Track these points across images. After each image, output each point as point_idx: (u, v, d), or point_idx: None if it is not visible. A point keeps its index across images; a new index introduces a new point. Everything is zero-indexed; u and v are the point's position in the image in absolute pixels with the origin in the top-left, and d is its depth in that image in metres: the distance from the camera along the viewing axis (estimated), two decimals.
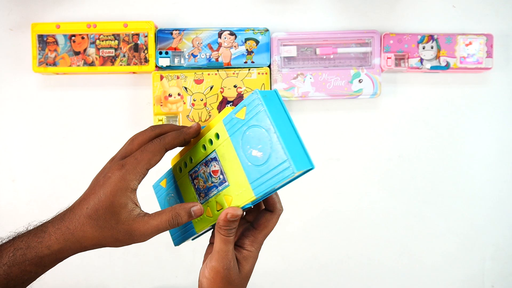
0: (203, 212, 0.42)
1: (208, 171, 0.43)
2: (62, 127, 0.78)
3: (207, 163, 0.43)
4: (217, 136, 0.42)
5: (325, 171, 0.78)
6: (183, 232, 0.48)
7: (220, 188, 0.42)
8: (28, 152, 0.78)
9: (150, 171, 0.42)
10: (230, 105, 0.75)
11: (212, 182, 0.43)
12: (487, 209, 0.79)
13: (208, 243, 0.47)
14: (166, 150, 0.43)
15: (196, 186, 0.45)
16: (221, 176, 0.42)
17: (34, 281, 0.43)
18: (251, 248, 0.42)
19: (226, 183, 0.41)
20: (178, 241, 0.49)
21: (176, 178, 0.47)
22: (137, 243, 0.41)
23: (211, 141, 0.42)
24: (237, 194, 0.41)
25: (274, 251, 0.79)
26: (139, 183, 0.41)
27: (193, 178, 0.45)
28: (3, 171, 0.78)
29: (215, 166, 0.42)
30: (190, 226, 0.47)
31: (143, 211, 0.41)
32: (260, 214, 0.43)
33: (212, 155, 0.42)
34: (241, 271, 0.41)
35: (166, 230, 0.41)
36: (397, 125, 0.78)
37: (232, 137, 0.40)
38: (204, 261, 0.45)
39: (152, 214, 0.41)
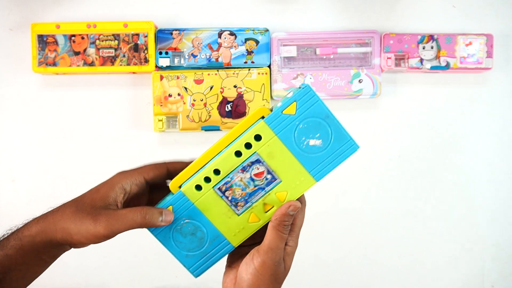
0: (172, 220, 0.42)
1: (249, 176, 0.42)
2: (62, 127, 0.78)
3: (245, 168, 0.42)
4: (257, 138, 0.42)
5: None
6: (210, 255, 0.45)
7: (268, 188, 0.43)
8: (28, 152, 0.78)
9: None
10: (230, 105, 0.75)
11: (255, 186, 0.43)
12: (487, 209, 0.79)
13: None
14: (168, 172, 0.44)
15: (229, 198, 0.43)
16: (268, 176, 0.43)
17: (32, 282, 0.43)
18: (293, 243, 0.43)
19: (278, 180, 0.43)
20: (200, 270, 0.46)
21: (191, 200, 0.43)
22: (100, 235, 0.39)
23: (248, 145, 0.42)
24: (294, 187, 0.43)
25: None
26: (131, 187, 0.42)
27: (224, 191, 0.43)
28: (3, 171, 0.78)
29: (258, 169, 0.42)
30: (223, 243, 0.44)
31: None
32: None
33: (253, 158, 0.42)
34: (285, 267, 0.43)
35: (136, 224, 0.40)
36: (397, 125, 0.78)
37: (281, 134, 0.42)
38: (229, 262, 0.45)
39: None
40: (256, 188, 0.43)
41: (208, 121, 0.75)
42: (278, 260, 0.41)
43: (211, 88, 0.75)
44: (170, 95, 0.75)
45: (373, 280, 0.79)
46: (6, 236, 0.41)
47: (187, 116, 0.75)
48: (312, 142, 0.42)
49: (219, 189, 0.43)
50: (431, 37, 0.75)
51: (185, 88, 0.75)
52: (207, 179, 0.43)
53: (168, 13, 0.78)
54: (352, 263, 0.79)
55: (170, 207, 0.43)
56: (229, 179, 0.43)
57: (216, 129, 0.75)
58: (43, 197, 0.78)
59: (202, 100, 0.75)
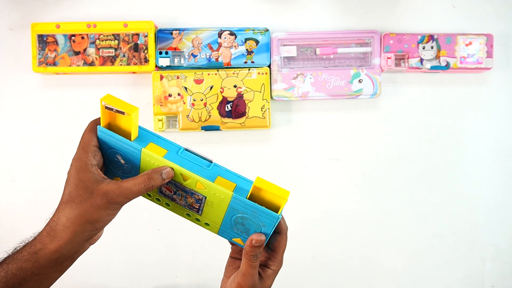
0: (173, 174, 0.44)
1: (189, 201, 0.46)
2: (62, 127, 0.78)
3: (192, 194, 0.45)
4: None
5: (325, 171, 0.78)
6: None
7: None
8: (28, 152, 0.78)
9: None
10: (230, 105, 0.75)
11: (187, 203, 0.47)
12: (487, 209, 0.79)
13: (229, 256, 0.50)
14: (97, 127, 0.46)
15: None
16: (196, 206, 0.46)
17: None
18: (275, 267, 0.46)
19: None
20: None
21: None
22: (116, 204, 0.42)
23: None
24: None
25: None
26: (95, 158, 0.44)
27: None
28: (3, 171, 0.78)
29: (194, 200, 0.46)
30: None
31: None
32: (272, 238, 0.47)
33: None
34: (263, 286, 0.46)
35: (141, 193, 0.42)
36: (397, 125, 0.78)
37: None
38: (226, 272, 0.49)
39: (125, 179, 0.43)
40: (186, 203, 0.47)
41: (208, 121, 0.75)
42: (252, 283, 0.44)
43: (211, 88, 0.75)
44: (170, 95, 0.75)
45: (373, 280, 0.79)
46: (18, 249, 0.43)
47: (187, 116, 0.75)
48: (239, 227, 0.46)
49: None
50: (431, 37, 0.75)
51: (185, 88, 0.75)
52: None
53: (168, 13, 0.78)
54: (352, 264, 0.79)
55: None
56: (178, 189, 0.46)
57: (216, 129, 0.75)
58: (43, 197, 0.78)
59: (202, 100, 0.75)
